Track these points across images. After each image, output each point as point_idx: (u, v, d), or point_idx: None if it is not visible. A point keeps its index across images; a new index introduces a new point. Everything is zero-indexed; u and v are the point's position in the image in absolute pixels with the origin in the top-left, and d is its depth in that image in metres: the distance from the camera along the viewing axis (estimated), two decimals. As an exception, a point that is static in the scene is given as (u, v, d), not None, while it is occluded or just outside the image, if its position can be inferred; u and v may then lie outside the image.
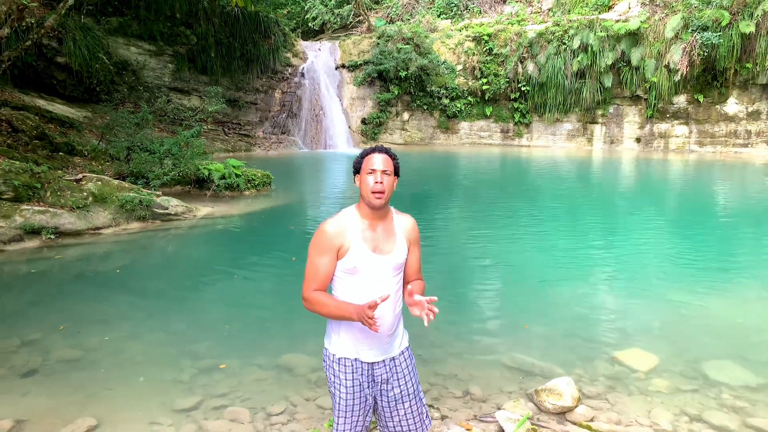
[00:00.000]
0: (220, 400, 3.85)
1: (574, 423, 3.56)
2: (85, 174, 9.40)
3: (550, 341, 4.89)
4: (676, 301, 5.91)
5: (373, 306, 2.00)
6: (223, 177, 11.30)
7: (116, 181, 9.41)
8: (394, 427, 2.40)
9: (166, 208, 9.22)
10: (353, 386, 2.29)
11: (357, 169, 2.33)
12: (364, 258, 2.22)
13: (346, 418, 2.32)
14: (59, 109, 13.98)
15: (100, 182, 9.06)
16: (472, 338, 4.94)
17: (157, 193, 9.60)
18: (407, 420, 2.39)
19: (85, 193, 8.65)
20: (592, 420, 3.59)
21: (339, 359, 2.30)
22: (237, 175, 11.53)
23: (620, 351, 4.62)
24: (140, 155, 10.73)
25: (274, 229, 9.40)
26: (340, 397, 2.30)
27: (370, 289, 2.23)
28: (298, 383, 4.10)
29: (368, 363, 2.30)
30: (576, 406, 3.68)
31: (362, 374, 2.29)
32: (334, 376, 2.32)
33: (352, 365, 2.29)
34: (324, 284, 2.26)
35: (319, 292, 2.22)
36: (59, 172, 9.25)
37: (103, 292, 6.16)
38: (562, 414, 3.66)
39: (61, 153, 10.56)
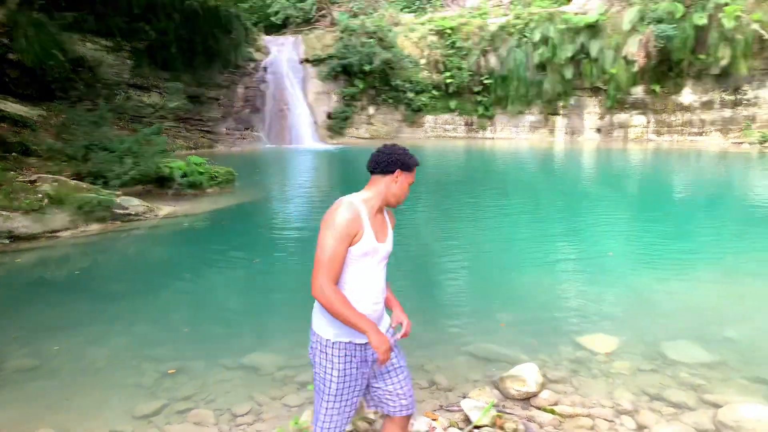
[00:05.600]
0: (184, 403, 3.78)
1: (539, 408, 3.62)
2: (40, 175, 9.07)
3: (515, 329, 4.95)
4: (636, 285, 6.07)
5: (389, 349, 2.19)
6: (185, 175, 11.07)
7: (74, 182, 9.11)
8: (394, 390, 2.47)
9: (127, 209, 8.98)
10: (345, 369, 2.33)
11: (405, 167, 2.34)
12: (372, 245, 2.28)
13: (336, 401, 2.34)
14: (12, 107, 13.43)
15: (56, 183, 8.76)
16: (438, 328, 4.96)
17: (117, 193, 9.34)
18: (401, 385, 2.48)
19: (40, 195, 8.35)
20: (556, 404, 3.66)
21: (333, 343, 2.32)
22: (199, 173, 11.32)
23: (583, 336, 4.72)
24: (99, 154, 10.41)
25: (238, 228, 9.27)
26: (332, 381, 2.33)
27: (367, 275, 2.30)
28: (264, 382, 4.05)
29: (361, 344, 2.34)
30: (540, 392, 3.74)
31: (355, 356, 2.34)
32: (326, 360, 2.33)
33: (346, 348, 2.32)
34: (339, 274, 2.25)
35: (340, 292, 2.21)
36: (12, 173, 8.91)
37: (62, 297, 5.97)
38: (526, 400, 3.72)
39: (14, 153, 10.17)
